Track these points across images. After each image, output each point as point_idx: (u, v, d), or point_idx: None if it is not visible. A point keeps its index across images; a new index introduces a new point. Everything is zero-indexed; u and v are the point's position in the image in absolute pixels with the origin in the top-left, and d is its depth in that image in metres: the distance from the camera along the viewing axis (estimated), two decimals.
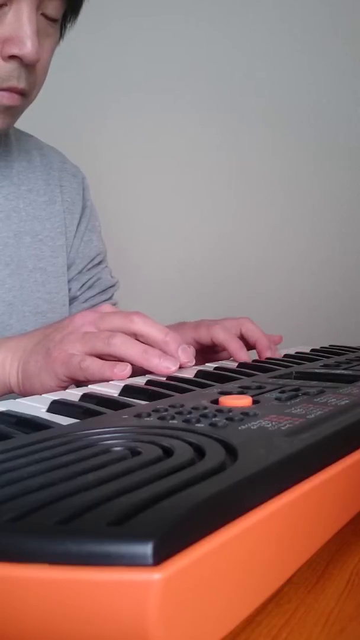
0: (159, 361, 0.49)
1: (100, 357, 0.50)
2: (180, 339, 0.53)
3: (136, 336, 0.52)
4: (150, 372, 0.50)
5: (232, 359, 0.66)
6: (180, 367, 0.51)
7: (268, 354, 0.65)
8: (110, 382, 0.48)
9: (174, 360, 0.50)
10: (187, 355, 0.51)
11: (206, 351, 0.69)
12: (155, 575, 0.16)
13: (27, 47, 0.56)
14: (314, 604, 0.25)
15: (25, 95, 0.61)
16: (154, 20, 1.36)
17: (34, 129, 0.81)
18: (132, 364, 0.49)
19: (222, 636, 0.19)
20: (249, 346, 0.68)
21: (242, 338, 0.67)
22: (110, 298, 0.85)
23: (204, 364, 0.69)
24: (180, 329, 0.68)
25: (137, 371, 0.50)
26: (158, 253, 1.41)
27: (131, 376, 0.49)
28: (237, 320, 0.68)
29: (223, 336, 0.64)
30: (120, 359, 0.50)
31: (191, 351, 0.53)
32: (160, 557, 0.16)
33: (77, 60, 1.25)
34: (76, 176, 0.82)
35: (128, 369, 0.48)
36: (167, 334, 0.51)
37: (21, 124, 0.78)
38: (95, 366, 0.49)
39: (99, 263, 0.84)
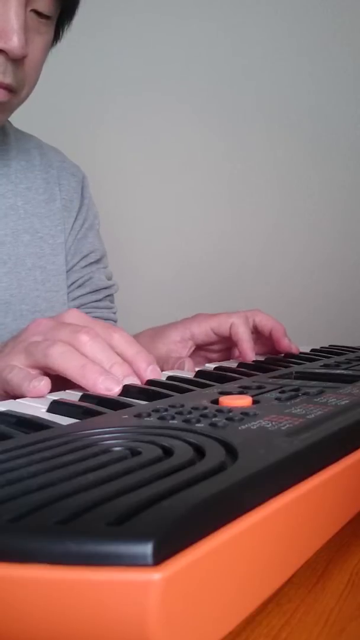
0: (98, 379, 0.40)
1: (46, 371, 0.43)
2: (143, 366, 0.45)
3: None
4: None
5: (232, 359, 0.66)
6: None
7: (286, 341, 0.63)
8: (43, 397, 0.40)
9: (118, 381, 0.41)
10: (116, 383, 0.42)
11: (207, 347, 0.68)
12: (155, 576, 0.16)
13: (13, 41, 0.55)
14: (314, 604, 0.25)
15: (14, 92, 0.60)
16: (153, 20, 1.36)
17: (32, 128, 0.81)
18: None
19: (222, 636, 0.19)
20: (263, 337, 0.66)
21: (255, 330, 0.66)
22: (101, 300, 0.81)
23: (200, 359, 0.69)
24: (195, 319, 0.66)
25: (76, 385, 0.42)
26: (156, 253, 1.41)
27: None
28: (250, 311, 0.66)
29: (242, 330, 0.62)
30: (58, 373, 0.42)
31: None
32: (160, 557, 0.16)
33: (75, 59, 1.25)
34: (75, 175, 0.82)
35: (43, 383, 0.41)
36: (116, 362, 0.43)
37: (20, 124, 0.78)
38: (17, 378, 0.42)
39: (94, 262, 0.81)
